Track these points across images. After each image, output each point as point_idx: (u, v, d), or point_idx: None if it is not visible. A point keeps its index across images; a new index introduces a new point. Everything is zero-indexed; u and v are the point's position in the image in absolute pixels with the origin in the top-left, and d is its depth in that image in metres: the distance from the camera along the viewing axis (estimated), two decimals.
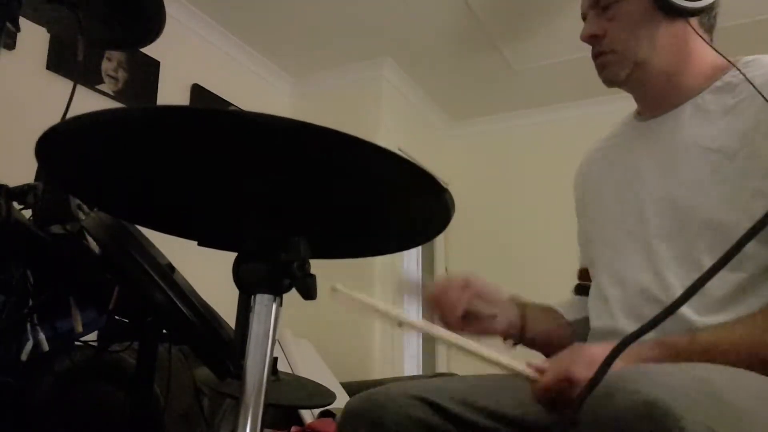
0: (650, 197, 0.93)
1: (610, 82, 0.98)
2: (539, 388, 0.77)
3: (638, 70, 0.94)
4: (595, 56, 0.97)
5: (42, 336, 1.10)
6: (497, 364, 0.80)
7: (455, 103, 4.15)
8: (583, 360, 0.75)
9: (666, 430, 0.55)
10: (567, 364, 0.76)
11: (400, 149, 3.42)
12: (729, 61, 0.90)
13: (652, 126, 0.98)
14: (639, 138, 1.00)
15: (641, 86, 0.98)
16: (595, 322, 0.98)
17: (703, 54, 0.94)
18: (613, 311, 0.93)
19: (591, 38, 0.97)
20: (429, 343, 4.04)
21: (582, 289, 1.10)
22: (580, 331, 1.05)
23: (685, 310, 0.81)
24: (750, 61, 0.90)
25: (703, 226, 0.85)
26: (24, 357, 1.08)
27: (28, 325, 1.09)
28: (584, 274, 1.11)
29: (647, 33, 0.93)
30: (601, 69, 0.97)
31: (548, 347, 1.02)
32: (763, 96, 0.83)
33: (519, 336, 1.02)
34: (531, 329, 1.03)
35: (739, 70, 0.88)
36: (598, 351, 0.75)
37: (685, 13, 0.91)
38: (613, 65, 0.96)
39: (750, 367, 0.72)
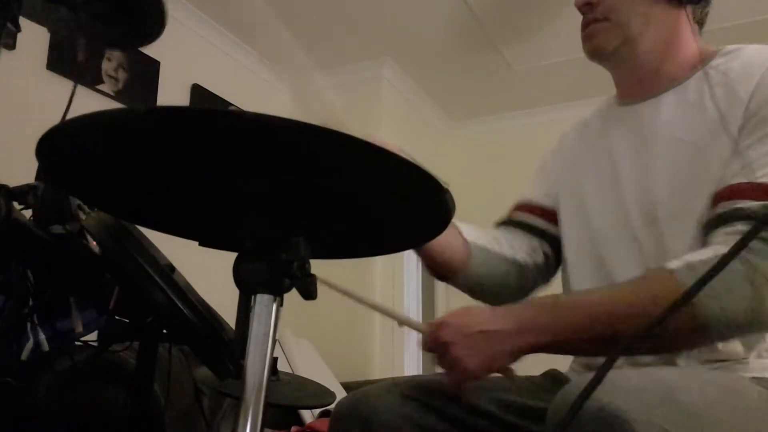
0: (629, 190, 0.92)
1: (595, 52, 0.95)
2: (424, 339, 0.83)
3: (627, 46, 0.92)
4: (586, 24, 0.95)
5: (42, 336, 1.10)
6: (395, 317, 0.88)
7: (455, 103, 4.15)
8: (459, 312, 0.80)
9: None
10: (445, 316, 0.81)
11: (400, 149, 3.41)
12: (715, 50, 0.90)
13: (631, 111, 0.97)
14: (617, 122, 0.99)
15: (624, 64, 0.95)
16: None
17: (690, 45, 0.94)
18: None
19: (586, 5, 0.94)
20: None
21: (506, 223, 1.08)
22: (478, 257, 1.01)
23: None
24: (732, 51, 0.90)
25: (672, 218, 0.85)
26: (24, 357, 1.08)
27: (29, 325, 1.09)
28: (523, 207, 1.09)
29: (644, 10, 0.91)
30: (590, 38, 0.95)
31: (435, 252, 0.98)
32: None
33: None
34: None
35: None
36: (479, 309, 0.82)
37: (685, 1, 0.91)
38: (603, 34, 0.93)
39: (604, 329, 0.74)
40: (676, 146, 0.88)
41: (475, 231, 1.04)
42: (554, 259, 1.07)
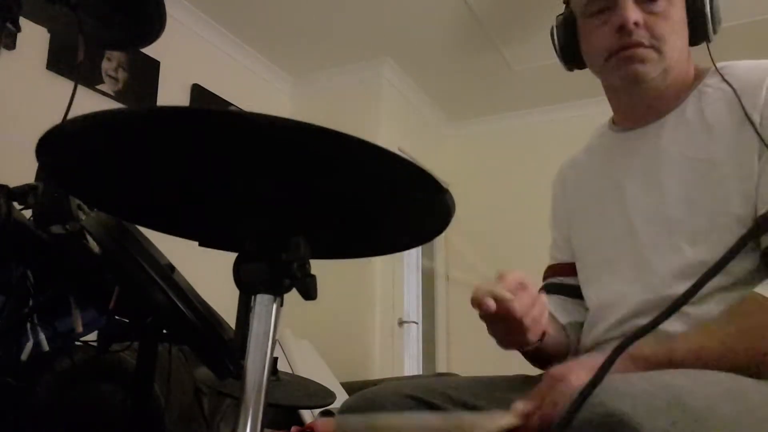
0: (637, 211, 0.92)
1: (638, 77, 0.91)
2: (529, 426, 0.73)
3: (661, 76, 0.91)
4: (627, 46, 0.90)
5: (42, 336, 1.10)
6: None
7: (455, 103, 4.15)
8: (560, 372, 0.73)
9: None
10: (541, 392, 0.73)
11: (400, 149, 3.42)
12: (717, 70, 0.91)
13: (633, 137, 0.97)
14: (620, 150, 0.99)
15: (647, 93, 0.94)
16: (587, 338, 0.98)
17: (690, 68, 0.96)
18: (608, 327, 0.92)
19: (635, 25, 0.89)
20: (429, 343, 4.04)
21: (554, 288, 1.08)
22: (572, 335, 1.02)
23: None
24: (722, 68, 0.91)
25: (693, 235, 0.85)
26: (24, 357, 1.08)
27: (29, 325, 1.09)
28: (554, 270, 1.10)
29: (682, 45, 0.92)
30: (635, 61, 0.90)
31: (553, 356, 0.95)
32: (742, 106, 0.84)
33: (538, 344, 0.92)
34: (548, 338, 0.93)
35: (722, 76, 0.89)
36: (580, 364, 0.74)
37: (706, 39, 0.93)
38: (651, 62, 0.90)
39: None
40: (686, 165, 0.88)
41: (559, 311, 1.04)
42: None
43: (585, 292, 1.02)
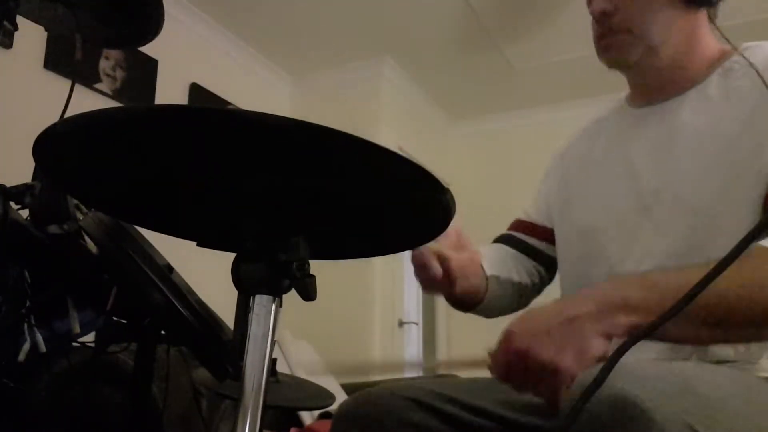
0: (647, 188, 0.90)
1: (615, 64, 0.93)
2: (493, 366, 0.72)
3: (649, 55, 0.90)
4: (603, 35, 0.91)
5: (39, 337, 1.09)
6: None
7: (456, 102, 4.15)
8: (522, 317, 0.72)
9: (639, 423, 0.54)
10: (504, 333, 0.71)
11: (400, 148, 3.41)
12: (734, 48, 0.89)
13: (649, 113, 0.95)
14: (634, 126, 0.97)
15: (646, 72, 0.93)
16: None
17: (708, 43, 0.93)
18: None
19: (602, 15, 0.90)
20: (429, 343, 4.03)
21: (514, 242, 1.08)
22: (493, 288, 1.01)
23: None
24: (749, 47, 0.89)
25: (701, 216, 0.83)
26: (21, 358, 1.07)
27: (26, 326, 1.08)
28: (521, 226, 1.10)
29: (664, 17, 0.89)
30: (608, 49, 0.92)
31: (465, 296, 0.96)
32: (764, 81, 0.82)
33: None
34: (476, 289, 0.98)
35: (743, 56, 0.87)
36: (543, 306, 0.73)
37: (706, 3, 0.90)
38: (624, 46, 0.90)
39: (700, 310, 0.65)
40: (702, 141, 0.86)
41: (488, 257, 1.04)
42: (547, 278, 1.09)
43: (576, 266, 0.99)
